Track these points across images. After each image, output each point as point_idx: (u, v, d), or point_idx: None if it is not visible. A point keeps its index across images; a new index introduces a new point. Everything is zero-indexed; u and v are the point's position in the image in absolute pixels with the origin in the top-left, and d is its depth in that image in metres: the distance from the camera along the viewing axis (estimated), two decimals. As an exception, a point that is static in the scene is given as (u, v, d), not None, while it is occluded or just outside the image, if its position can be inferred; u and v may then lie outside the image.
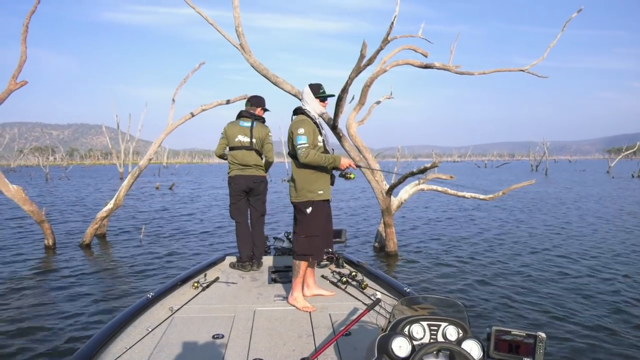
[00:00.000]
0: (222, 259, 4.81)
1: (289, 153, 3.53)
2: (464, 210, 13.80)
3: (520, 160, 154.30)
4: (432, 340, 1.81)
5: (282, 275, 4.38)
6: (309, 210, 3.42)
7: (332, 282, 4.02)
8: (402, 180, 7.03)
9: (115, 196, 8.73)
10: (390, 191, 7.28)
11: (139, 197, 19.52)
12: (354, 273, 4.12)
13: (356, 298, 3.61)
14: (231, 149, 4.56)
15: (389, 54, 7.65)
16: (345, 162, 3.45)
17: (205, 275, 4.19)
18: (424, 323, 1.83)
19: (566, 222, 11.22)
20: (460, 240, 8.85)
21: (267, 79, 7.43)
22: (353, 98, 8.24)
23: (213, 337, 2.88)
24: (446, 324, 1.83)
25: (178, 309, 3.36)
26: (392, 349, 1.68)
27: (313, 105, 3.53)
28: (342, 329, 2.40)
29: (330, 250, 4.63)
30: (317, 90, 3.53)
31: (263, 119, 4.74)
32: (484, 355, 1.67)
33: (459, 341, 1.72)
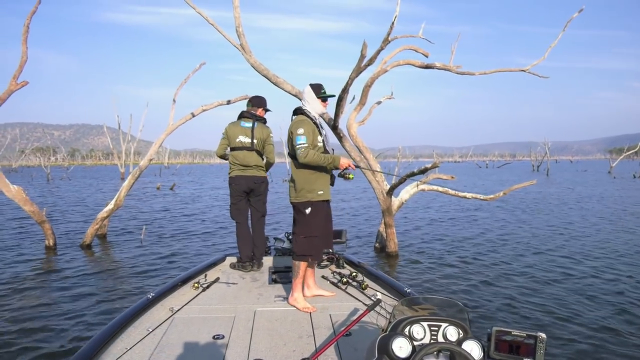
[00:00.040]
0: (222, 259, 4.80)
1: (288, 153, 3.52)
2: (465, 211, 13.78)
3: (521, 161, 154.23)
4: (432, 341, 1.81)
5: (283, 276, 4.37)
6: (308, 210, 3.41)
7: (332, 283, 4.02)
8: (402, 180, 7.03)
9: (116, 197, 8.74)
10: (390, 191, 7.27)
11: (140, 197, 19.54)
12: (354, 273, 4.12)
13: (356, 298, 3.61)
14: (232, 149, 4.56)
15: (390, 54, 7.65)
16: (344, 162, 3.44)
17: (205, 276, 4.18)
18: (425, 323, 1.83)
19: (569, 222, 11.20)
20: (462, 241, 8.83)
21: (268, 79, 7.44)
22: (354, 98, 8.24)
23: (213, 337, 2.88)
24: (447, 324, 1.83)
25: (178, 310, 3.36)
26: (392, 349, 1.68)
27: (314, 105, 3.52)
28: (342, 329, 2.40)
29: (331, 250, 4.62)
30: (319, 91, 3.53)
31: (264, 119, 4.73)
32: (484, 356, 1.67)
33: (460, 342, 1.71)
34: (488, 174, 44.13)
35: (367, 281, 3.97)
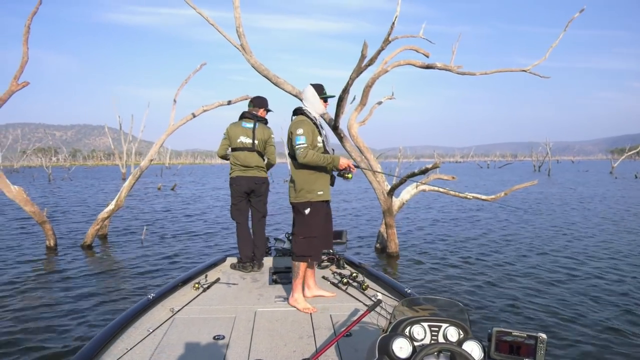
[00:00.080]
0: (223, 259, 4.81)
1: (288, 153, 3.52)
2: (467, 211, 13.76)
3: (522, 161, 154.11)
4: (433, 341, 1.80)
5: (283, 276, 4.37)
6: (307, 211, 3.41)
7: (332, 283, 4.01)
8: (403, 181, 7.02)
9: (117, 197, 8.74)
10: (391, 192, 7.27)
11: (142, 197, 19.55)
12: (354, 274, 4.11)
13: (357, 299, 3.60)
14: (233, 149, 4.57)
15: (391, 54, 7.65)
16: (344, 162, 3.44)
17: (206, 276, 4.18)
18: (425, 324, 1.82)
19: (571, 223, 11.17)
20: (463, 242, 8.82)
21: (268, 79, 7.44)
22: (354, 98, 8.24)
23: (214, 338, 2.88)
24: (447, 325, 1.82)
25: (179, 310, 3.36)
26: (393, 350, 1.67)
27: (316, 105, 3.52)
28: (342, 330, 2.40)
29: (331, 251, 4.62)
30: (321, 91, 3.54)
31: (265, 120, 4.73)
32: (484, 356, 1.66)
33: (460, 342, 1.71)
34: (489, 174, 44.10)
35: (368, 282, 3.97)
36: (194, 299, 3.63)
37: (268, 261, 4.75)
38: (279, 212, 13.34)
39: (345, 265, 4.59)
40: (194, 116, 8.80)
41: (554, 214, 12.84)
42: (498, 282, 5.92)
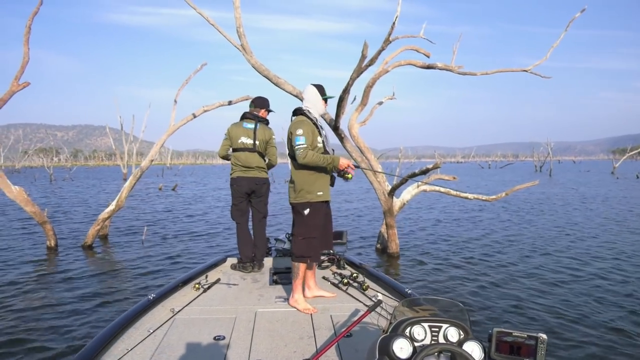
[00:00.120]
0: (223, 260, 4.80)
1: (288, 154, 3.51)
2: (470, 212, 13.74)
3: (524, 161, 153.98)
4: (433, 342, 1.80)
5: (283, 277, 4.37)
6: (306, 211, 3.40)
7: (333, 284, 4.01)
8: (404, 181, 7.01)
9: (117, 197, 8.75)
10: (392, 192, 7.26)
11: (143, 198, 19.58)
12: (355, 274, 4.11)
13: (357, 299, 3.59)
14: (234, 150, 4.56)
15: (391, 54, 7.65)
16: (344, 162, 3.43)
17: (206, 277, 4.18)
18: (425, 324, 1.82)
19: (574, 223, 11.14)
20: (465, 242, 8.80)
21: (269, 79, 7.44)
22: (355, 99, 8.23)
23: (214, 338, 2.88)
24: (447, 325, 1.82)
25: (179, 311, 3.36)
26: (393, 350, 1.67)
27: (318, 106, 3.52)
28: (343, 330, 2.39)
29: (332, 251, 4.61)
30: (323, 92, 3.53)
31: (267, 120, 4.72)
32: (485, 357, 1.66)
33: (460, 342, 1.71)
34: (491, 175, 44.07)
35: (368, 282, 3.96)
36: (195, 299, 3.63)
37: (268, 262, 4.75)
38: (281, 212, 13.33)
39: (346, 266, 4.58)
40: (195, 116, 8.81)
41: (557, 214, 12.82)
42: (501, 283, 5.90)
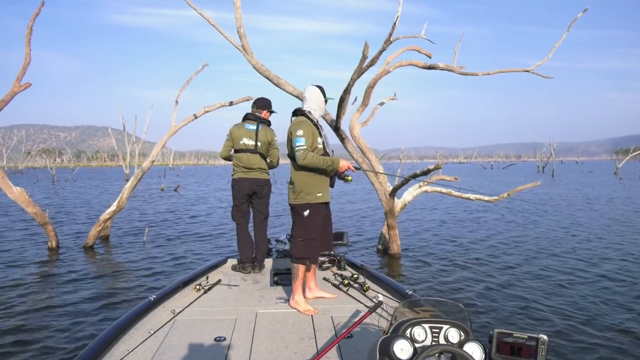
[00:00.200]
0: (224, 261, 4.80)
1: (288, 154, 3.50)
2: (474, 212, 13.70)
3: (526, 162, 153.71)
4: (433, 343, 1.79)
5: (284, 278, 4.36)
6: (306, 213, 3.38)
7: (334, 285, 4.00)
8: (405, 182, 7.00)
9: (118, 198, 8.76)
10: (393, 193, 7.25)
11: (145, 199, 19.61)
12: (355, 275, 4.10)
13: (358, 300, 3.59)
14: (236, 151, 4.56)
15: (393, 54, 7.64)
16: (344, 164, 3.41)
17: (207, 278, 4.18)
18: (426, 325, 1.81)
19: (579, 224, 11.08)
20: (467, 243, 8.77)
21: (269, 80, 7.44)
22: (356, 99, 8.24)
23: (215, 339, 2.87)
24: (448, 326, 1.82)
25: (180, 312, 3.36)
26: (393, 351, 1.67)
27: (321, 106, 3.52)
28: (344, 331, 2.38)
29: (332, 252, 4.61)
30: (323, 93, 3.53)
31: (269, 122, 4.72)
32: (486, 358, 1.66)
33: (461, 344, 1.70)
34: (493, 175, 43.99)
35: (369, 283, 3.95)
36: (195, 300, 3.62)
37: (269, 262, 4.74)
38: (283, 213, 13.33)
39: (346, 267, 4.57)
40: (196, 117, 8.83)
41: (561, 215, 12.76)
42: (506, 284, 5.85)
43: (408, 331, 1.79)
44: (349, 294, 3.75)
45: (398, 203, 7.57)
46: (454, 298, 5.17)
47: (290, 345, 2.79)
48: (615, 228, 10.39)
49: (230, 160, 4.68)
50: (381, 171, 7.50)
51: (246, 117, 4.61)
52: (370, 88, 7.45)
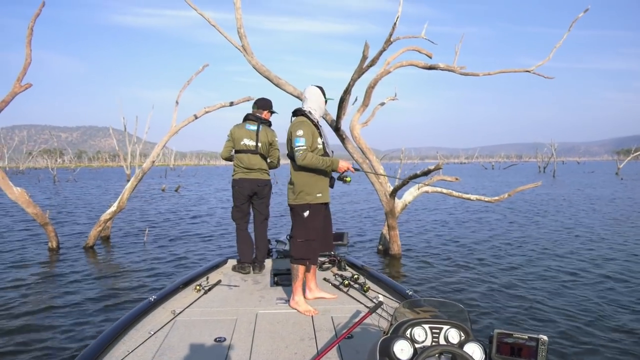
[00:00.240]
0: (224, 262, 4.80)
1: (287, 155, 3.49)
2: (477, 212, 13.67)
3: (528, 162, 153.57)
4: (434, 343, 1.79)
5: (284, 278, 4.36)
6: (306, 213, 3.38)
7: (334, 285, 4.00)
8: (405, 182, 6.99)
9: (119, 199, 8.76)
10: (393, 193, 7.24)
11: (145, 199, 19.62)
12: (356, 276, 4.09)
13: (358, 301, 3.58)
14: (237, 152, 4.56)
15: (393, 55, 7.64)
16: (343, 165, 3.40)
17: (207, 278, 4.18)
18: (426, 326, 1.81)
19: (582, 224, 11.05)
20: (468, 243, 8.76)
21: (269, 80, 7.44)
22: (356, 99, 8.23)
23: (215, 340, 2.87)
24: (448, 326, 1.81)
25: (180, 312, 3.35)
26: (394, 351, 1.66)
27: (321, 107, 3.51)
28: (344, 331, 2.38)
29: (333, 253, 4.60)
30: (324, 93, 3.52)
31: (269, 122, 4.71)
32: (486, 358, 1.65)
33: (461, 344, 1.70)
34: (494, 176, 43.96)
35: (369, 283, 3.95)
36: (195, 301, 3.62)
37: (269, 263, 4.74)
38: (284, 213, 13.32)
39: (347, 267, 4.57)
40: (196, 117, 8.83)
41: (563, 216, 12.72)
42: (508, 285, 5.83)
43: (408, 332, 1.79)
44: (349, 295, 3.75)
45: (398, 203, 7.57)
46: (456, 299, 5.16)
47: (290, 345, 2.79)
48: (618, 229, 10.35)
49: (231, 160, 4.68)
50: (382, 171, 7.50)
51: (247, 118, 4.61)
52: (370, 88, 7.45)
